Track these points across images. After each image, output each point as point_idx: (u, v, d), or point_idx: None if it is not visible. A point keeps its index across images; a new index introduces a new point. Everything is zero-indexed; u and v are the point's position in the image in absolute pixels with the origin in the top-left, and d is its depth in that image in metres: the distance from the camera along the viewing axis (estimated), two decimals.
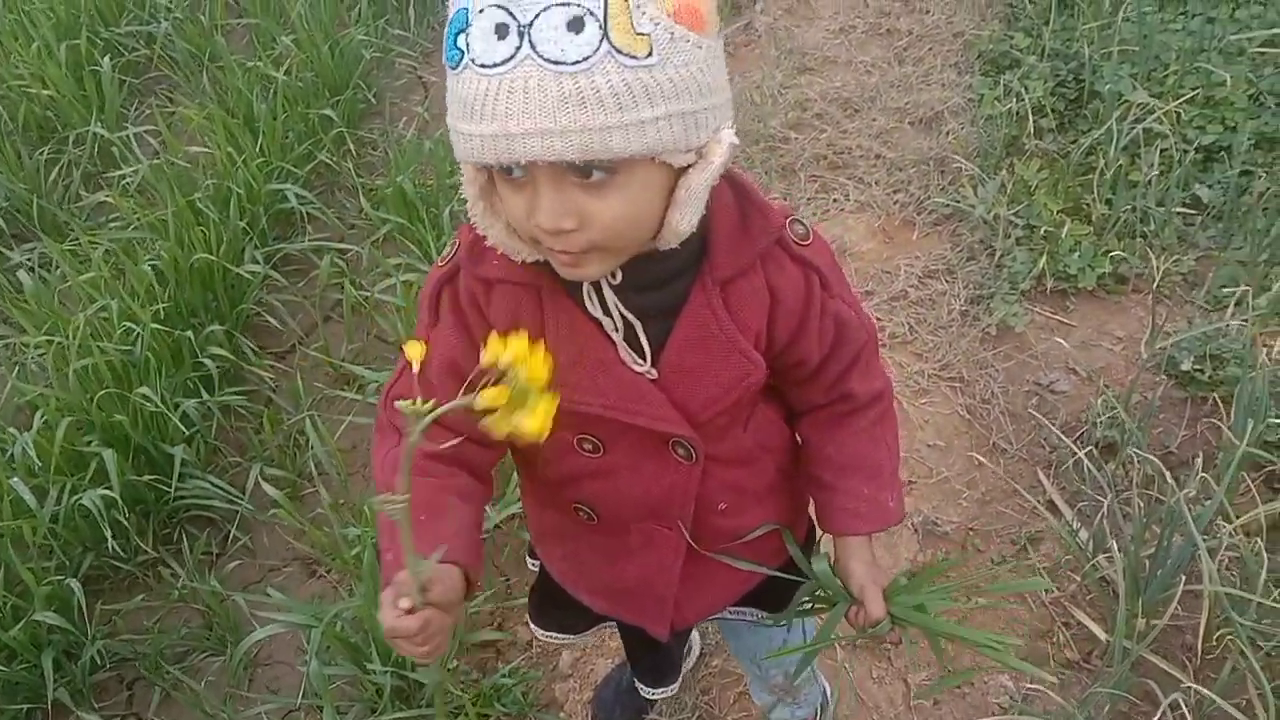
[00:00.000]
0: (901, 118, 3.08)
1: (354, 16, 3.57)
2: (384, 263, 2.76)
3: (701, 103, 0.82)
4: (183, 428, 2.37)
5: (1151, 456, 2.02)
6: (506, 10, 0.75)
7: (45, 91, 3.36)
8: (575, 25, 0.74)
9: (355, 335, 2.74)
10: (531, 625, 1.53)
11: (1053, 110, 2.99)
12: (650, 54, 0.77)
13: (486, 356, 0.80)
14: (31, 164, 3.20)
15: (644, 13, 0.76)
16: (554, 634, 1.51)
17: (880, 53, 3.34)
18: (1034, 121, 2.93)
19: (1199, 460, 2.03)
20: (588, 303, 0.98)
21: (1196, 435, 2.25)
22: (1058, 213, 2.70)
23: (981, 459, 2.25)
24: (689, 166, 0.86)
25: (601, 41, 0.75)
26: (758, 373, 1.03)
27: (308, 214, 3.02)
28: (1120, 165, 2.75)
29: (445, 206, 2.82)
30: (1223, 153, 2.77)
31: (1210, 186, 2.72)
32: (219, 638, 2.13)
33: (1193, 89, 2.88)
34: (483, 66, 0.77)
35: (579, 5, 0.74)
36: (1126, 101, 2.85)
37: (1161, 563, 1.90)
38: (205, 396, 2.48)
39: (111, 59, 3.42)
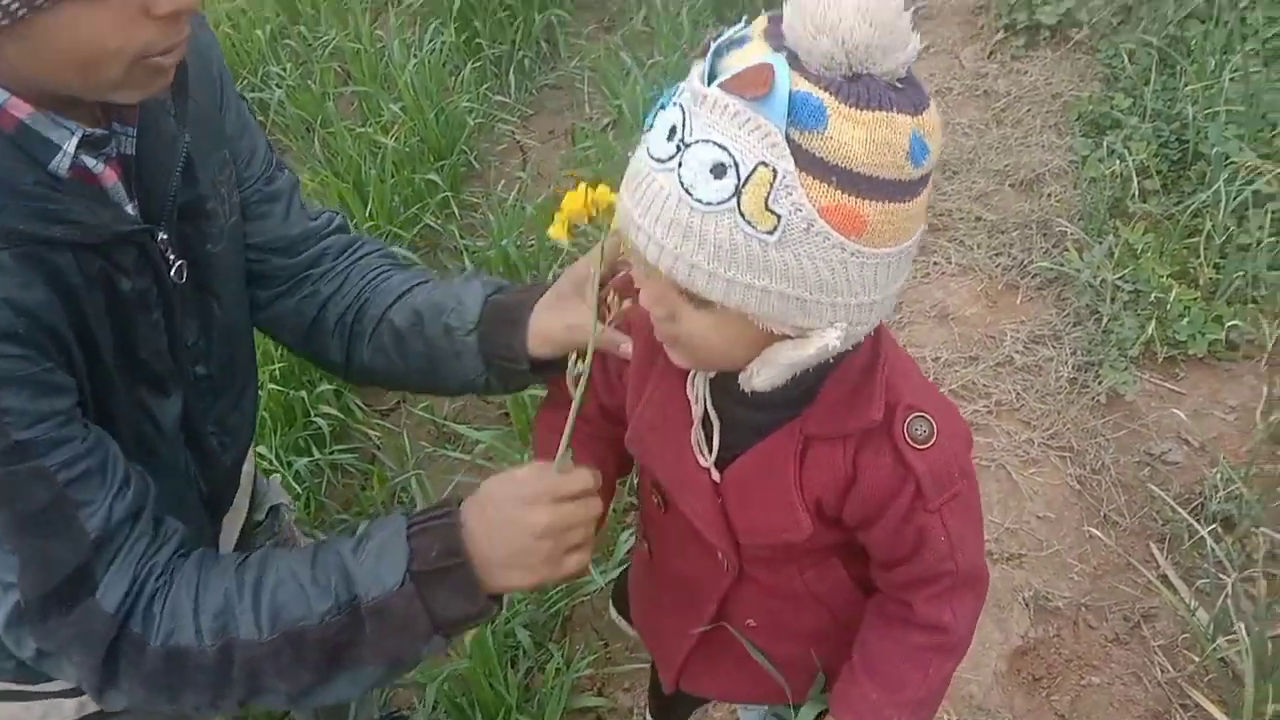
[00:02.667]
0: (1001, 180, 3.07)
1: (458, 83, 3.69)
2: None
3: (816, 295, 0.80)
4: (294, 485, 2.45)
5: (1275, 534, 1.95)
6: (685, 120, 0.78)
7: None
8: (718, 171, 0.75)
9: None
10: (612, 610, 1.53)
11: (1156, 172, 2.94)
12: (773, 232, 0.76)
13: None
14: None
15: (788, 195, 0.75)
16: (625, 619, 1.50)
17: (978, 114, 3.33)
18: (1138, 183, 2.89)
19: None
20: (689, 383, 1.02)
21: None
22: (1165, 277, 2.65)
23: (1093, 531, 2.21)
24: (786, 335, 0.85)
25: (731, 198, 0.75)
26: (797, 534, 1.02)
27: None
28: (1229, 229, 2.70)
29: (548, 269, 2.88)
30: None
31: None
32: None
33: None
34: (647, 152, 0.81)
35: (730, 154, 0.75)
36: (1233, 163, 2.79)
37: None
38: (315, 454, 2.56)
39: None
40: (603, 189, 1.01)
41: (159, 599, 0.94)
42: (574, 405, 1.02)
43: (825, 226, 0.76)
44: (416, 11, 4.03)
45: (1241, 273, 2.60)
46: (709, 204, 0.76)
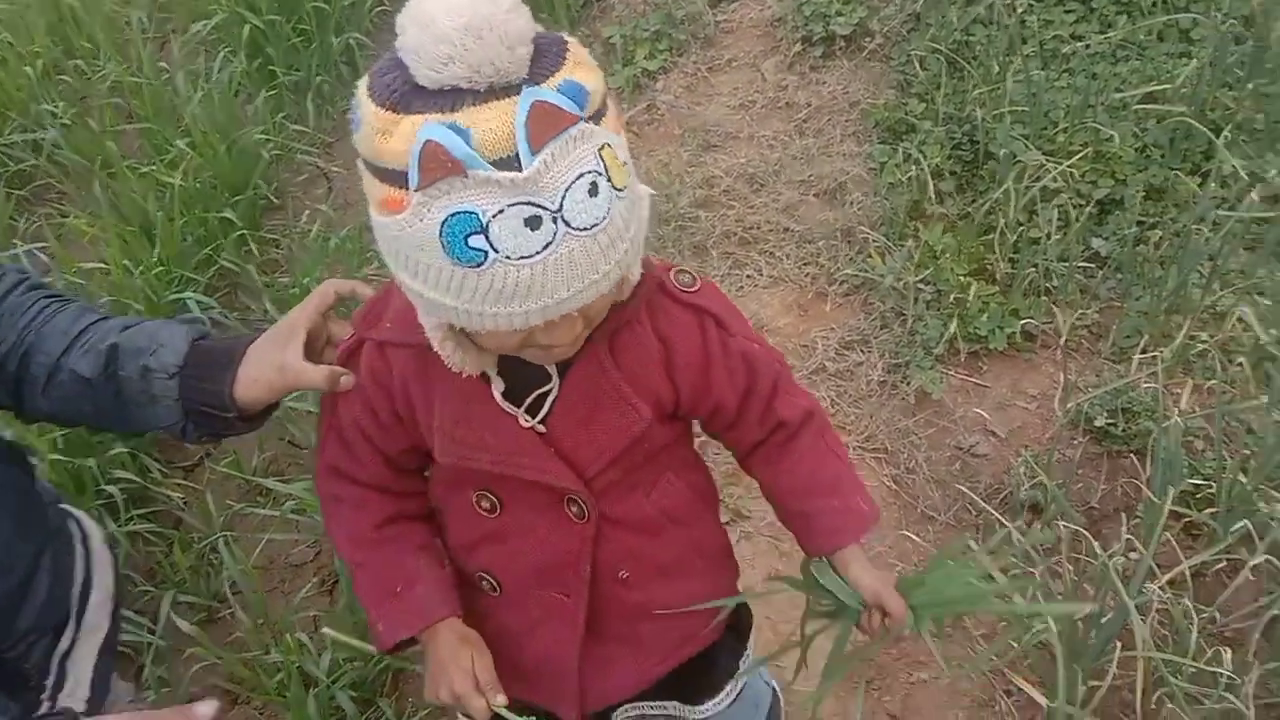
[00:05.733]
0: (806, 190, 3.12)
1: (250, 114, 3.51)
2: None
3: (641, 232, 0.93)
4: None
5: (1076, 525, 2.03)
6: (533, 204, 0.81)
7: None
8: (593, 190, 0.83)
9: (266, 444, 2.65)
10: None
11: (951, 174, 3.05)
12: (627, 186, 0.88)
13: None
14: None
15: (618, 150, 0.87)
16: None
17: (781, 126, 3.38)
18: (934, 186, 2.99)
19: (1122, 516, 2.06)
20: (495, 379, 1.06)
21: (1116, 490, 2.29)
22: (964, 276, 2.75)
23: (910, 534, 2.25)
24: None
25: (610, 191, 0.85)
26: (640, 422, 1.09)
27: (211, 320, 2.93)
28: (1020, 224, 2.82)
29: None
30: (1116, 206, 2.85)
31: (1106, 239, 2.80)
32: None
33: (1083, 145, 2.96)
34: (522, 259, 0.82)
35: (591, 170, 0.83)
36: (1021, 162, 2.92)
37: (1095, 625, 1.91)
38: (111, 526, 2.36)
39: None
40: None
41: None
42: None
43: (631, 166, 0.90)
44: (203, 40, 3.84)
45: (1034, 266, 2.72)
46: (606, 213, 0.85)
